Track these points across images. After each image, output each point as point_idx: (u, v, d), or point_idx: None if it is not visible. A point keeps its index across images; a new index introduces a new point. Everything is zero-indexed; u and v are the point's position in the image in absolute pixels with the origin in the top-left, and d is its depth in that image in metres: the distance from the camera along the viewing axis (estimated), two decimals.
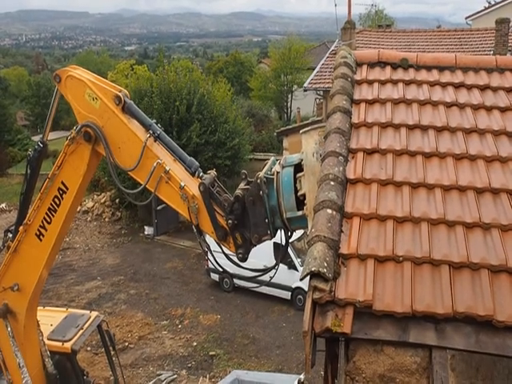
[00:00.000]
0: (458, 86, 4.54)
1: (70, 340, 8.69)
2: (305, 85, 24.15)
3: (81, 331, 8.97)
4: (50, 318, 9.04)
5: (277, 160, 5.34)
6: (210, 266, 17.51)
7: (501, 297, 2.86)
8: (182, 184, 5.45)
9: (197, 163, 5.76)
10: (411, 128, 4.06)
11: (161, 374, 13.49)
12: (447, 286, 2.92)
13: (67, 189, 6.50)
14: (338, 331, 2.70)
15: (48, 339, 8.35)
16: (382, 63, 4.86)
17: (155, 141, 5.74)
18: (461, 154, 3.79)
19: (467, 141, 3.92)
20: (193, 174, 5.65)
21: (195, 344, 14.71)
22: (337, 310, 2.84)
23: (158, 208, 21.13)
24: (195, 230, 5.51)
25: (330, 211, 3.24)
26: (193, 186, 5.49)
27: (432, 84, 4.58)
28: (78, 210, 24.56)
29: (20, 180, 29.59)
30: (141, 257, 20.68)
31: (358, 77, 4.74)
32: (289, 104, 40.36)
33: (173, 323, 15.83)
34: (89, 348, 13.81)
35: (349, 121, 4.15)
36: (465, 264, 3.02)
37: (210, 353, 14.27)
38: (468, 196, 3.49)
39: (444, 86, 4.56)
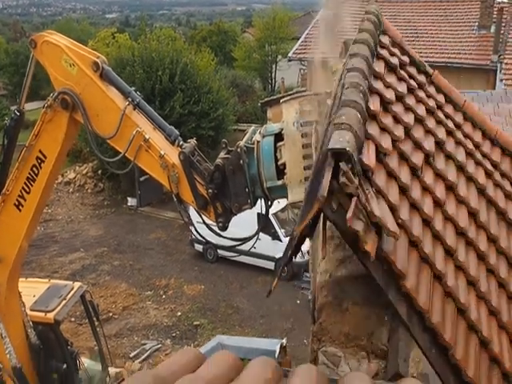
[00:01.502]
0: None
1: (52, 310, 8.67)
2: (289, 55, 23.91)
3: (64, 302, 8.96)
4: (32, 289, 9.00)
5: (257, 129, 5.31)
6: (194, 236, 17.55)
7: None
8: (162, 152, 5.40)
9: (177, 132, 5.70)
10: None
11: (145, 344, 13.63)
12: None
13: (45, 158, 6.40)
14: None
15: (31, 310, 8.33)
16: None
17: (134, 109, 5.65)
18: None
19: None
20: (173, 143, 5.60)
21: (179, 314, 14.83)
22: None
23: (141, 179, 20.98)
24: (175, 199, 5.50)
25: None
26: (173, 155, 5.43)
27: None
28: (60, 181, 24.28)
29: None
30: (124, 228, 20.61)
31: None
32: (273, 74, 39.92)
33: (157, 294, 15.91)
34: (73, 319, 13.84)
35: None
36: None
37: (194, 322, 14.41)
38: None
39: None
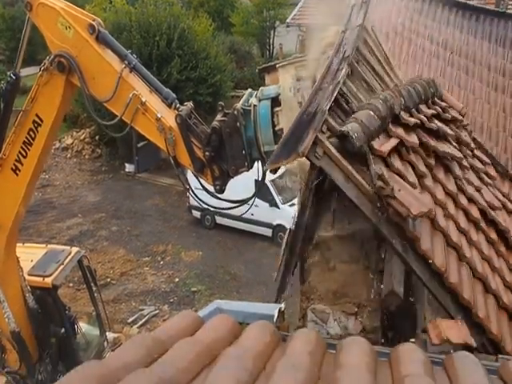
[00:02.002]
0: None
1: (50, 275, 8.70)
2: (288, 21, 23.40)
3: (61, 266, 8.98)
4: (29, 254, 9.01)
5: (254, 92, 5.26)
6: (192, 203, 17.54)
7: None
8: (159, 115, 5.37)
9: (173, 95, 5.67)
10: None
11: (143, 309, 13.76)
12: None
13: (42, 121, 6.37)
14: None
15: (28, 275, 8.35)
16: None
17: (131, 71, 5.59)
18: None
19: None
20: (169, 106, 5.57)
21: (177, 280, 14.94)
22: None
23: (139, 145, 20.83)
24: (172, 162, 5.48)
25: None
26: (169, 118, 5.40)
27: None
28: (57, 146, 24.10)
29: None
30: (122, 194, 20.56)
31: None
32: (271, 40, 39.24)
33: (155, 260, 15.98)
34: (71, 284, 13.93)
35: None
36: None
37: (192, 289, 14.53)
38: None
39: None
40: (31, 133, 6.46)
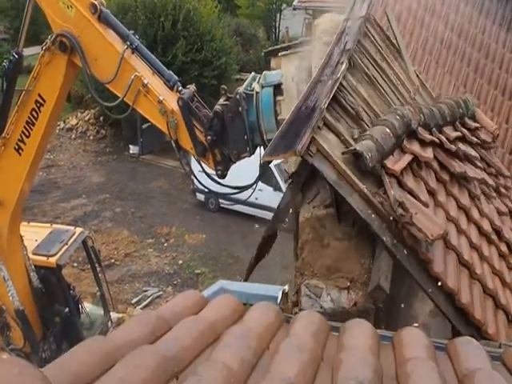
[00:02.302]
0: None
1: (54, 255, 8.74)
2: (294, 3, 23.09)
3: (65, 246, 9.03)
4: (34, 233, 9.06)
5: (257, 76, 5.20)
6: (196, 185, 17.54)
7: None
8: (161, 98, 5.32)
9: (176, 77, 5.61)
10: None
11: (147, 291, 13.85)
12: None
13: (44, 101, 6.36)
14: None
15: (33, 254, 8.41)
16: None
17: (133, 53, 5.53)
18: None
19: None
20: (172, 88, 5.51)
21: (181, 262, 15.00)
22: None
23: (144, 127, 20.78)
24: (174, 146, 5.44)
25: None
26: (172, 101, 5.35)
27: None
28: (62, 127, 24.08)
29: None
30: (126, 175, 20.58)
31: None
32: (277, 23, 38.84)
33: (158, 241, 16.04)
34: (75, 264, 14.01)
35: None
36: None
37: (196, 271, 14.59)
38: None
39: None
40: (34, 113, 6.46)
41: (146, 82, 5.38)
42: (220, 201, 17.18)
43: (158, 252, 15.54)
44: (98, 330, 9.89)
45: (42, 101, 6.36)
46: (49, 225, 10.12)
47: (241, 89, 4.94)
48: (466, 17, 8.63)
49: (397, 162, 3.02)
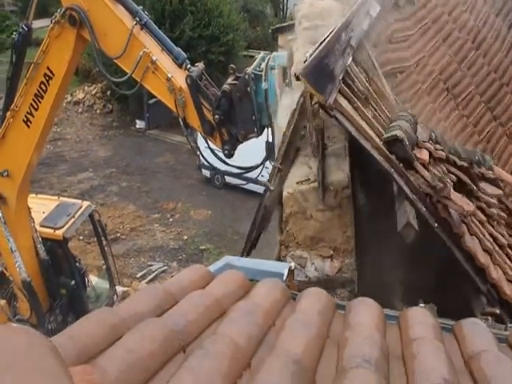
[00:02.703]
0: None
1: (61, 227, 8.81)
2: None
3: (72, 219, 9.08)
4: (41, 205, 9.11)
5: (266, 56, 5.14)
6: (202, 161, 17.52)
7: None
8: (169, 75, 5.29)
9: (184, 54, 5.57)
10: None
11: (152, 265, 13.96)
12: None
13: (53, 74, 6.36)
14: None
15: (40, 226, 8.46)
16: None
17: (142, 29, 5.49)
18: None
19: None
20: (180, 66, 5.47)
21: (186, 238, 15.07)
22: None
23: (150, 102, 20.68)
24: (182, 124, 5.42)
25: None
26: (180, 78, 5.32)
27: None
28: (69, 100, 23.99)
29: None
30: (132, 150, 20.57)
31: None
32: (285, 0, 38.25)
33: (164, 217, 16.10)
34: (81, 237, 14.11)
35: None
36: None
37: (201, 247, 14.67)
38: None
39: None
40: (42, 86, 6.47)
41: (154, 58, 5.34)
42: (226, 177, 17.18)
43: (164, 227, 15.61)
44: (104, 303, 10.00)
45: (50, 74, 6.36)
46: (56, 197, 10.16)
47: (249, 69, 4.92)
48: (481, 18, 6.67)
49: (422, 152, 3.15)
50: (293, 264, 2.97)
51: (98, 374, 1.21)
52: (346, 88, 3.11)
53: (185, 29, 20.58)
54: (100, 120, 23.51)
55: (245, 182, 16.43)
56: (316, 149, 3.21)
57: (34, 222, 8.03)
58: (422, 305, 2.79)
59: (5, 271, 7.98)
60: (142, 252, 14.50)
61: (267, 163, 15.15)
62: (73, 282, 9.04)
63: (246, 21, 27.83)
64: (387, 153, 2.90)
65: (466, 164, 3.60)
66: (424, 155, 3.12)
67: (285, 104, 3.98)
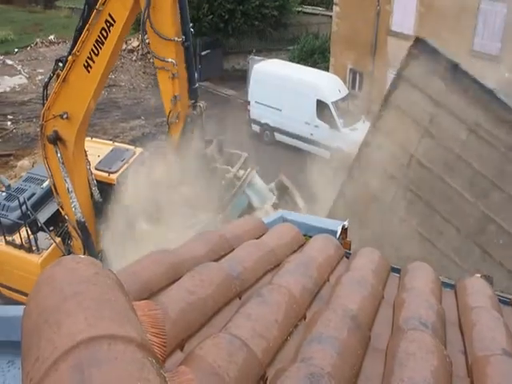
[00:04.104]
0: None
1: (116, 172, 8.95)
2: None
3: (126, 165, 9.21)
4: (97, 149, 9.28)
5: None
6: (252, 117, 17.38)
7: None
8: (177, 96, 7.07)
9: (197, 95, 7.65)
10: None
11: None
12: None
13: (114, 22, 6.54)
14: None
15: (95, 169, 8.67)
16: None
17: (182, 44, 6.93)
18: None
19: None
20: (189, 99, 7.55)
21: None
22: None
23: (203, 53, 20.59)
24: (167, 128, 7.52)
25: None
26: (184, 106, 7.36)
27: None
28: (124, 48, 24.11)
29: (68, 13, 28.95)
30: None
31: None
32: None
33: None
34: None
35: None
36: None
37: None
38: None
39: None
40: (103, 32, 6.63)
41: (175, 74, 6.82)
42: (275, 134, 17.05)
43: None
44: None
45: (112, 21, 6.53)
46: (111, 142, 10.34)
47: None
48: None
49: None
50: (346, 222, 2.90)
51: (160, 310, 1.22)
52: None
53: None
54: (153, 69, 23.36)
55: (292, 138, 16.30)
56: None
57: (89, 165, 8.24)
58: (478, 275, 2.70)
59: (61, 210, 8.26)
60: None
61: (319, 122, 15.01)
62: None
63: None
64: None
65: None
66: None
67: None
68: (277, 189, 8.40)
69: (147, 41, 6.77)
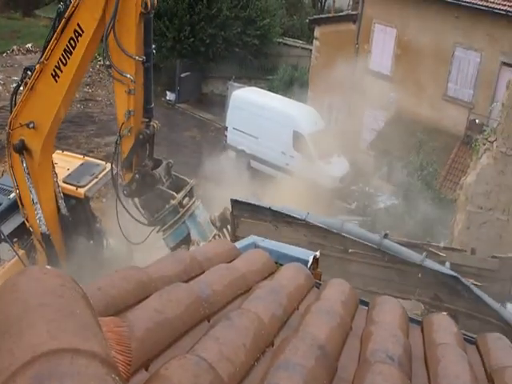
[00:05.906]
0: None
1: (84, 186, 8.82)
2: None
3: (95, 180, 9.08)
4: (66, 162, 9.15)
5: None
6: (229, 142, 17.47)
7: None
8: (132, 112, 7.01)
9: (152, 115, 7.84)
10: None
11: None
12: None
13: (83, 31, 6.51)
14: None
15: (63, 182, 8.51)
16: None
17: (143, 64, 6.73)
18: None
19: None
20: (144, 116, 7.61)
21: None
22: None
23: (182, 75, 20.74)
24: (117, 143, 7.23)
25: None
26: (136, 124, 7.37)
27: None
28: (102, 63, 24.09)
29: (47, 23, 28.84)
30: (160, 121, 20.21)
31: None
32: None
33: None
34: (104, 200, 14.19)
35: None
36: None
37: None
38: None
39: None
40: (72, 42, 6.59)
41: (132, 91, 6.78)
42: (251, 161, 17.13)
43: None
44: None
45: (80, 31, 6.50)
46: (82, 156, 10.19)
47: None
48: None
49: None
50: (318, 253, 2.91)
51: (126, 327, 1.18)
52: None
53: (222, 7, 20.66)
54: None
55: (267, 166, 16.37)
56: None
57: (57, 177, 8.08)
58: (444, 313, 2.73)
59: (26, 222, 8.05)
60: None
61: (295, 153, 15.21)
62: (91, 242, 9.08)
63: (284, 8, 27.62)
64: None
65: None
66: None
67: None
68: (219, 221, 8.30)
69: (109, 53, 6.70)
